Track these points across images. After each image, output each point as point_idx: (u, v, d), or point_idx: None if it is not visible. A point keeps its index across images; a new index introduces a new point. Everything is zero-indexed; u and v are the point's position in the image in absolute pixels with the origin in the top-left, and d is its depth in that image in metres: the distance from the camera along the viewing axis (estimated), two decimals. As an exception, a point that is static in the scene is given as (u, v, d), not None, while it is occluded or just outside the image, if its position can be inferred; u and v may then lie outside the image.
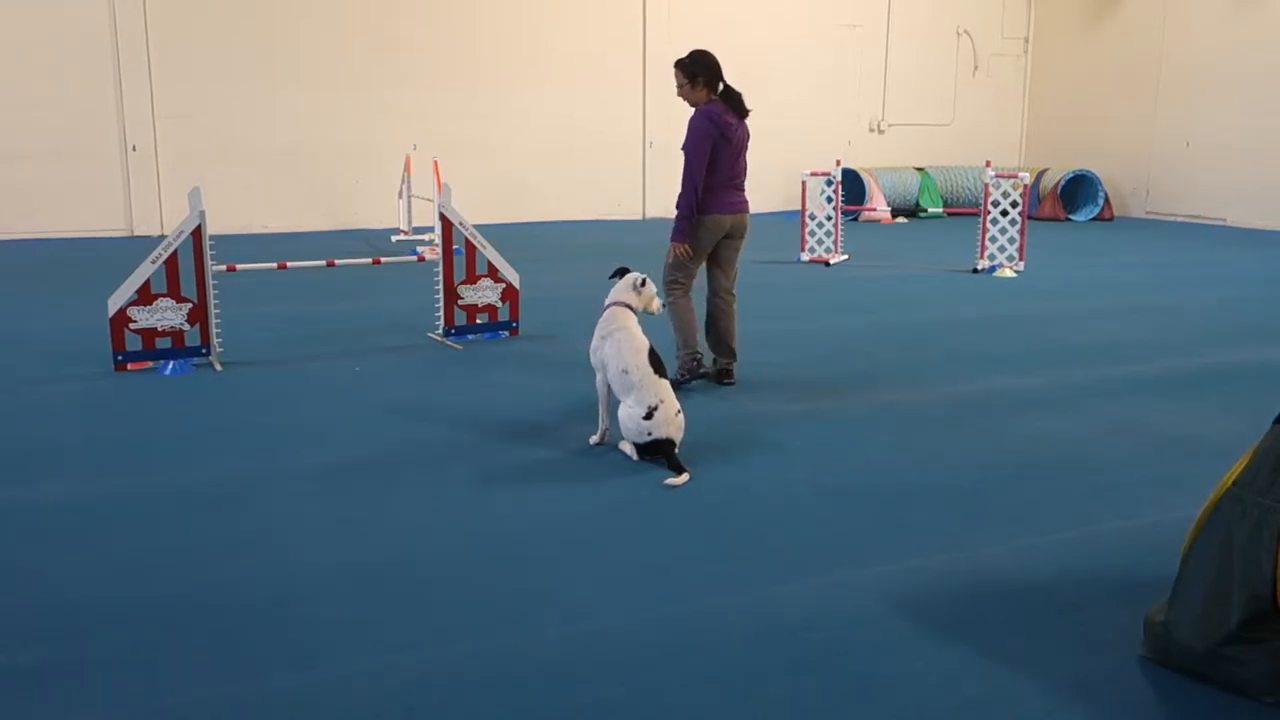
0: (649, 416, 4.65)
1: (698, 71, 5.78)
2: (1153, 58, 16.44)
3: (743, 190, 6.02)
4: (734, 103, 5.87)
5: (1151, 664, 3.03)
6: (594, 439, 5.00)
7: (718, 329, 6.16)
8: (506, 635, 3.20)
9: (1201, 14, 15.76)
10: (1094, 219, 16.32)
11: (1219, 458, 4.17)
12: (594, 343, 4.99)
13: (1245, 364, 6.83)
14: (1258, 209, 15.15)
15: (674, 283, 6.01)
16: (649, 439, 4.68)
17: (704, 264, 6.13)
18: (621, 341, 4.83)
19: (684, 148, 5.81)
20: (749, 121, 6.00)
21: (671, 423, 4.69)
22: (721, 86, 5.87)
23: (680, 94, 5.89)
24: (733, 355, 6.20)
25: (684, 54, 5.89)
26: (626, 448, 4.81)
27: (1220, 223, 15.62)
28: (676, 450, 4.70)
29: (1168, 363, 6.86)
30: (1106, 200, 16.44)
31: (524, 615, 3.33)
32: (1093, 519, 4.16)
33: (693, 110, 5.86)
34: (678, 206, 5.86)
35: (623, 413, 4.77)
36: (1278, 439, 2.85)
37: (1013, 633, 3.23)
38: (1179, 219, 16.24)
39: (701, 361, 6.07)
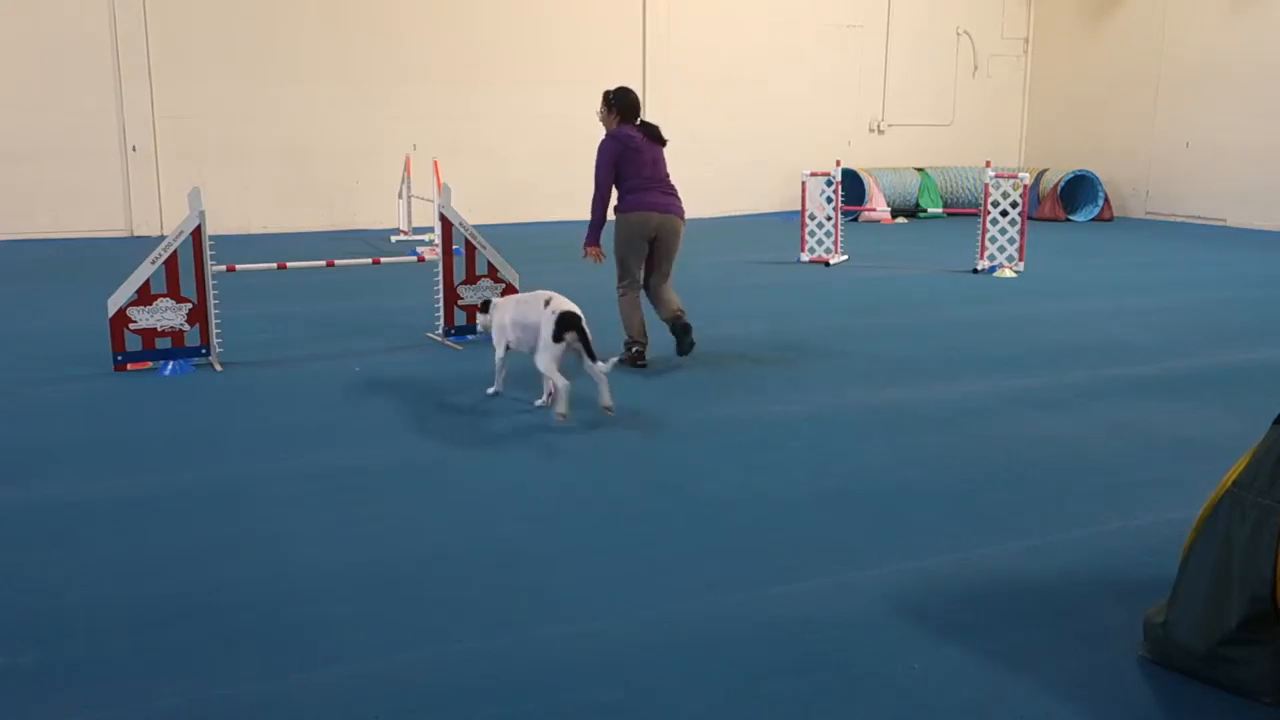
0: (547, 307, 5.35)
1: (614, 102, 6.56)
2: (1153, 58, 16.44)
3: (672, 194, 6.58)
4: (649, 131, 6.57)
5: (1151, 664, 3.03)
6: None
7: (657, 298, 6.59)
8: (506, 635, 3.20)
9: (1201, 14, 15.76)
10: (1094, 219, 16.31)
11: (1219, 458, 4.16)
12: (511, 319, 5.63)
13: (1245, 364, 6.83)
14: (1258, 209, 15.14)
15: (621, 281, 6.61)
16: (555, 319, 5.26)
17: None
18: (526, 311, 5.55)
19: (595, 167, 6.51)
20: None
21: (555, 299, 5.38)
22: (639, 121, 6.60)
23: (599, 118, 6.65)
24: (679, 308, 6.56)
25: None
26: (562, 385, 5.26)
27: (1220, 223, 15.62)
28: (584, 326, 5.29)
29: (1168, 363, 6.86)
30: (1106, 201, 16.43)
31: (524, 615, 3.33)
32: (1093, 519, 4.16)
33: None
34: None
35: (542, 357, 5.36)
36: (1278, 439, 2.85)
37: (1013, 633, 3.24)
38: (1179, 219, 16.24)
39: (641, 352, 6.55)
